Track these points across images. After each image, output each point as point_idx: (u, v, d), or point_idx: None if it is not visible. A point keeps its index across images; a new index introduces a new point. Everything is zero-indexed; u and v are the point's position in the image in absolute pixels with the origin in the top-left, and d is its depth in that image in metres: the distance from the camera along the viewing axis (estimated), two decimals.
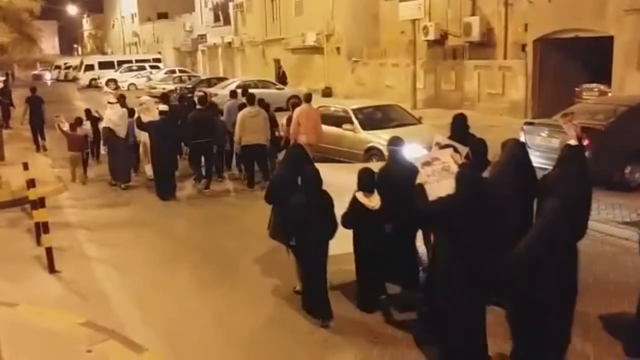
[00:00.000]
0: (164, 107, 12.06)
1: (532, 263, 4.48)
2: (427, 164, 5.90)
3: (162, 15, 59.93)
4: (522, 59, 19.97)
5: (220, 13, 44.16)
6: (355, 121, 12.62)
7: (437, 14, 24.13)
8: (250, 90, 15.36)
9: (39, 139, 17.20)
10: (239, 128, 11.54)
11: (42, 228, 7.98)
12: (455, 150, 6.41)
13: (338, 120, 13.01)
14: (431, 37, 23.84)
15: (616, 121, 10.47)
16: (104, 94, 22.02)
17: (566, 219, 4.59)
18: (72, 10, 73.02)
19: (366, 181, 6.16)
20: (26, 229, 9.47)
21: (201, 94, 14.42)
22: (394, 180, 6.32)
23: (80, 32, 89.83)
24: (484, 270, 4.75)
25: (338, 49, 30.13)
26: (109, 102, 12.72)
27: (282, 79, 31.26)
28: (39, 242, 8.45)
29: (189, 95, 20.45)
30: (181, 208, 10.98)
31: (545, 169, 7.02)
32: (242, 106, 12.18)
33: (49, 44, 67.90)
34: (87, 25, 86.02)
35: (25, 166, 9.83)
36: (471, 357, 4.95)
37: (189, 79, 33.68)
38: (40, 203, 8.06)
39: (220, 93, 19.68)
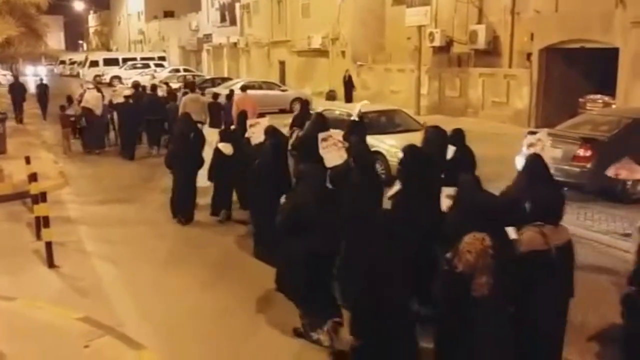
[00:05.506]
0: (127, 92, 15.73)
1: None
2: (324, 139, 8.02)
3: (169, 14, 60.04)
4: (527, 68, 19.97)
5: (226, 13, 44.16)
6: None
7: (443, 20, 24.16)
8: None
9: (45, 113, 22.79)
10: (181, 108, 14.38)
11: (42, 222, 7.98)
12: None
13: (342, 124, 12.95)
14: (437, 43, 23.87)
15: (620, 133, 10.46)
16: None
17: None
18: (78, 6, 73.01)
19: (225, 136, 9.51)
20: (26, 223, 9.49)
21: (155, 83, 19.65)
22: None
23: (85, 28, 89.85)
24: None
25: (343, 52, 30.14)
26: (88, 88, 16.80)
27: (347, 85, 27.58)
28: (38, 237, 8.45)
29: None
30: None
31: None
32: None
33: (55, 39, 67.64)
34: (92, 21, 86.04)
35: (28, 160, 9.84)
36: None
37: (193, 78, 33.65)
38: (41, 197, 8.07)
39: (223, 93, 19.77)
